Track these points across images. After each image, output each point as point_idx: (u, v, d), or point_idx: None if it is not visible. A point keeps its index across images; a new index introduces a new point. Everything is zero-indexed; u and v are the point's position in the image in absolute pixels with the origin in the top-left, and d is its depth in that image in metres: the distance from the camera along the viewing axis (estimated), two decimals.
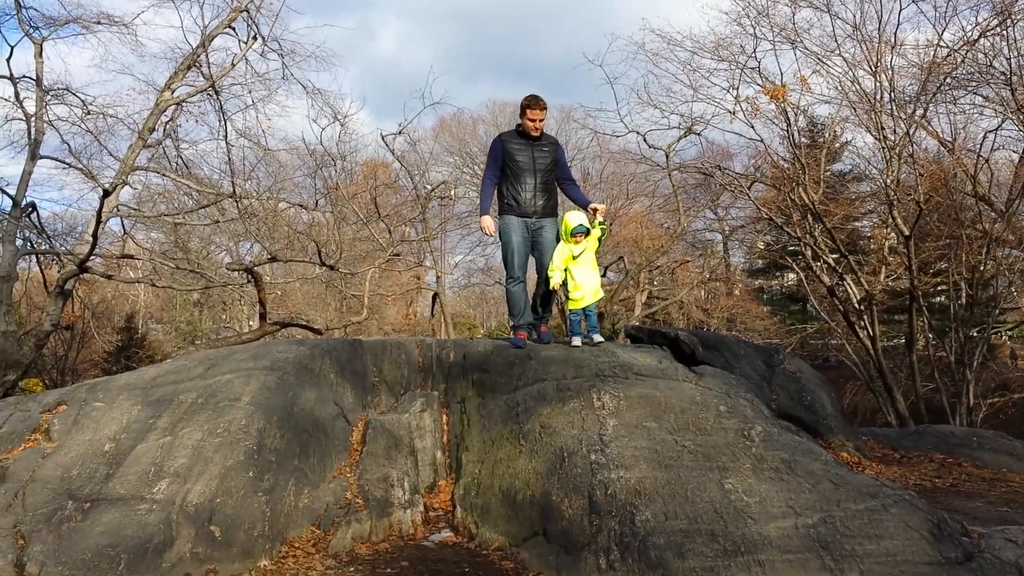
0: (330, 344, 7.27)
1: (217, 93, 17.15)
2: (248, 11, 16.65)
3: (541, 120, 7.05)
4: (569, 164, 7.89)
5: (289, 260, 16.09)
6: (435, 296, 32.32)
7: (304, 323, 17.53)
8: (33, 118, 17.55)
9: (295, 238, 19.61)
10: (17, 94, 18.06)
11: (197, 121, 18.75)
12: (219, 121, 17.89)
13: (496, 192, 7.24)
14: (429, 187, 29.57)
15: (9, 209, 17.63)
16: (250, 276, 14.57)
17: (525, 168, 7.04)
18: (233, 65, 17.12)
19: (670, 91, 24.07)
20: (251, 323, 37.13)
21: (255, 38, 16.96)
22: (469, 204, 41.83)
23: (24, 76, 17.88)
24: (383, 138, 21.98)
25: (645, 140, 18.90)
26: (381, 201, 24.64)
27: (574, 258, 6.88)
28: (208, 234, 25.82)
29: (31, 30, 17.14)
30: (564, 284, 6.93)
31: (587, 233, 6.84)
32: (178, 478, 5.01)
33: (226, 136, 17.60)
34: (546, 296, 7.37)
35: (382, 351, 7.36)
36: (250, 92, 17.90)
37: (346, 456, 6.05)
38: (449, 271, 39.04)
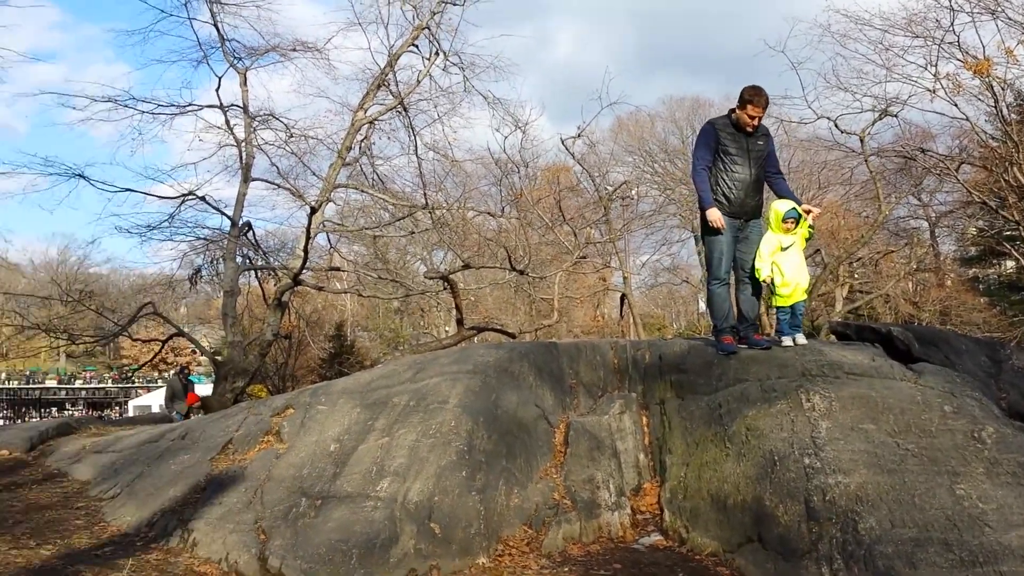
0: (527, 347, 7.43)
1: (405, 110, 17.98)
2: (429, 28, 17.35)
3: (760, 119, 6.57)
4: None
5: (481, 267, 16.62)
6: (623, 297, 32.19)
7: (498, 327, 18.01)
8: (243, 143, 19.09)
9: (484, 245, 20.22)
10: (227, 121, 19.66)
11: (389, 137, 19.74)
12: (409, 136, 18.75)
13: None
14: (610, 188, 29.54)
15: (228, 229, 19.31)
16: (446, 283, 15.16)
17: (739, 162, 6.56)
18: (418, 82, 17.88)
19: (861, 73, 22.72)
20: (447, 328, 38.57)
21: (437, 54, 17.64)
22: (651, 203, 41.37)
23: (232, 105, 19.44)
24: (563, 142, 22.19)
25: (836, 125, 17.99)
26: (564, 204, 24.89)
27: (783, 249, 6.52)
28: (404, 244, 27.01)
29: (235, 61, 18.63)
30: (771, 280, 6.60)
31: (798, 221, 6.47)
32: (398, 477, 5.30)
33: (416, 150, 18.42)
34: (755, 298, 6.93)
35: (577, 353, 7.42)
36: (435, 106, 18.63)
37: (550, 457, 6.15)
38: (635, 271, 38.82)
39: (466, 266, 15.53)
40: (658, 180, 46.34)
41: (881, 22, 15.98)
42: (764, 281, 6.68)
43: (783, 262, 6.53)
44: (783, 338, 6.67)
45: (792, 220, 6.46)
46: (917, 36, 15.34)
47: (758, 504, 5.00)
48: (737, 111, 6.57)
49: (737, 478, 5.30)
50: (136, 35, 53.49)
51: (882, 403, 5.40)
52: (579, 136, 21.98)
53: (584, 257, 22.74)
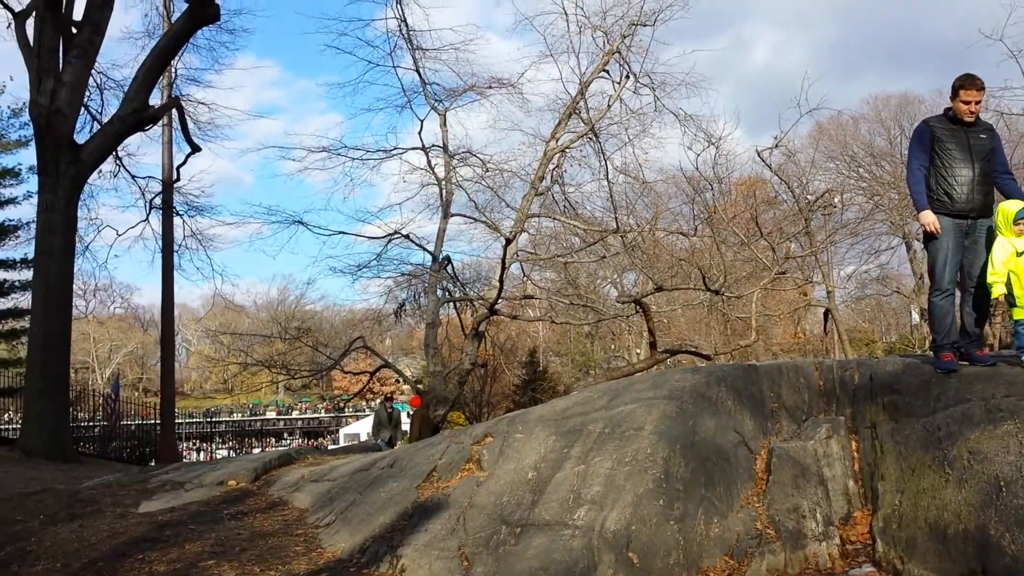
0: (725, 370, 7.22)
1: (596, 135, 18.15)
2: (619, 52, 17.47)
3: (977, 103, 6.14)
4: None
5: (674, 288, 16.37)
6: (827, 312, 30.65)
7: (693, 349, 17.63)
8: (443, 181, 19.99)
9: (677, 265, 19.90)
10: (429, 162, 20.70)
11: (580, 164, 20.04)
12: (599, 161, 18.92)
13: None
14: (811, 197, 28.27)
15: (429, 264, 20.23)
16: (638, 307, 15.05)
17: (959, 157, 6.11)
18: (609, 106, 18.01)
19: None
20: (638, 351, 38.26)
21: (627, 76, 17.72)
22: (857, 210, 39.12)
23: (433, 145, 20.46)
24: (759, 154, 21.56)
25: None
26: (761, 219, 24.09)
27: (1018, 255, 5.91)
28: (594, 268, 27.13)
29: (436, 103, 19.64)
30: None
31: None
32: (595, 505, 5.30)
33: (607, 175, 18.52)
34: (980, 310, 6.39)
35: (779, 375, 7.13)
36: (626, 129, 18.69)
37: (751, 485, 5.93)
38: (840, 284, 36.81)
39: (659, 288, 15.36)
40: (864, 186, 43.93)
41: None
42: (996, 297, 6.09)
43: (1019, 271, 5.92)
44: (1022, 354, 6.03)
45: None
46: None
47: (982, 533, 4.58)
48: (951, 102, 6.19)
49: (958, 506, 4.89)
50: (347, 87, 57.87)
51: None
52: (776, 147, 21.23)
53: (783, 273, 21.86)
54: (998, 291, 5.98)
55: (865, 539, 5.51)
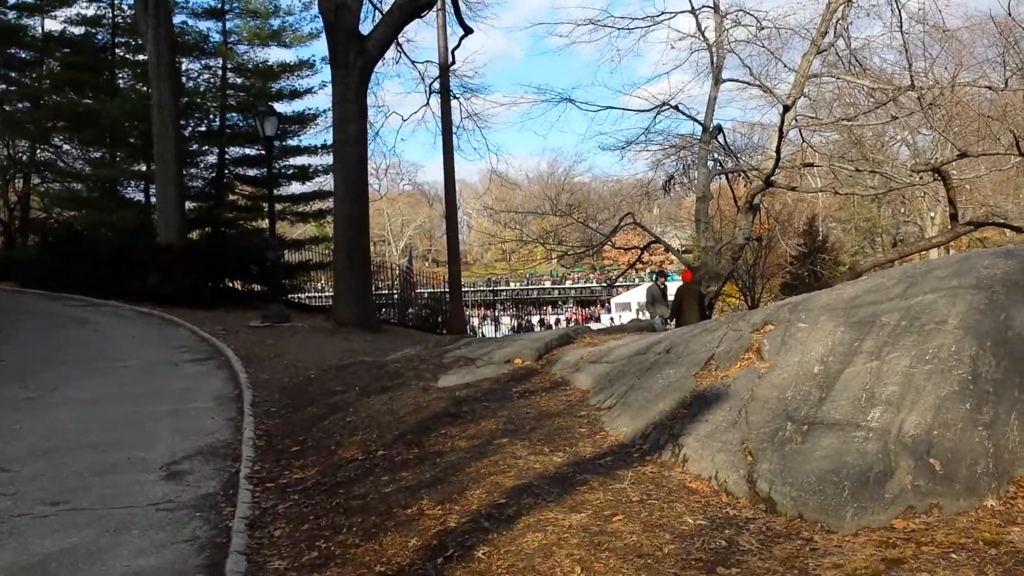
0: None
1: None
2: None
3: None
4: None
5: (981, 154, 14.53)
6: None
7: (1001, 221, 15.74)
8: (714, 45, 19.01)
9: (984, 124, 17.60)
10: (699, 25, 19.75)
11: (868, 14, 18.14)
12: (892, 9, 16.96)
13: None
14: None
15: (700, 135, 19.56)
16: (936, 175, 13.60)
17: None
18: None
19: None
20: (932, 215, 34.88)
21: None
22: None
23: (703, 7, 19.41)
24: None
25: None
26: None
27: None
28: (884, 129, 24.89)
29: None
30: None
31: None
32: (890, 406, 4.99)
33: (900, 24, 16.61)
34: None
35: None
36: None
37: None
38: None
39: (962, 155, 13.71)
40: None
41: None
42: None
43: None
44: None
45: None
46: None
47: None
48: None
49: None
50: None
51: None
52: None
53: None
54: None
55: None
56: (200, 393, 9.75)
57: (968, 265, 6.31)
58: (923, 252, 19.03)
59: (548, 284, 76.19)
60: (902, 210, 38.75)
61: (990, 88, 16.82)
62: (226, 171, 28.67)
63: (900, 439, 4.73)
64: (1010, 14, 15.28)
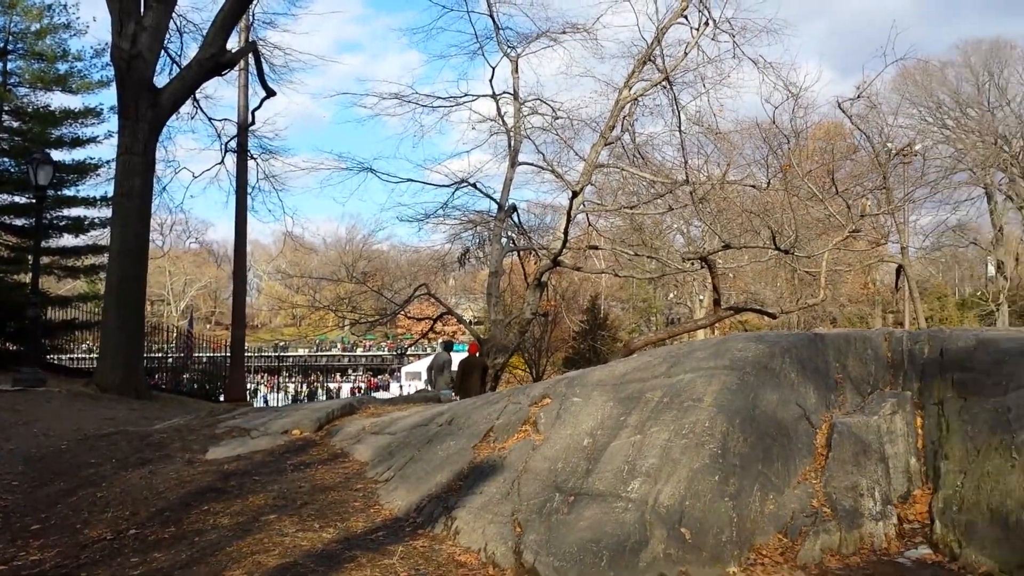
0: (790, 341, 7.08)
1: (671, 84, 17.71)
2: None
3: None
4: None
5: (743, 247, 16.01)
6: (899, 269, 29.76)
7: (757, 308, 17.33)
8: (512, 130, 19.85)
9: (747, 219, 19.44)
10: (499, 109, 20.56)
11: (652, 113, 19.73)
12: (673, 111, 18.51)
13: None
14: (890, 145, 27.24)
15: (495, 212, 20.21)
16: (703, 263, 14.81)
17: None
18: (685, 54, 17.53)
19: None
20: (700, 298, 37.81)
21: (707, 23, 17.18)
22: (938, 159, 37.61)
23: (504, 92, 20.28)
24: (839, 106, 20.73)
25: None
26: (837, 172, 23.28)
27: None
28: (661, 218, 26.81)
29: (508, 49, 19.45)
30: None
31: None
32: (649, 478, 5.28)
33: (679, 125, 18.12)
34: None
35: (846, 345, 7.01)
36: (702, 79, 18.21)
37: (810, 461, 5.86)
38: (914, 231, 35.64)
39: (726, 246, 15.06)
40: (945, 133, 42.23)
41: None
42: None
43: None
44: None
45: None
46: None
47: None
48: None
49: (1023, 493, 4.77)
50: (420, 32, 58.30)
51: None
52: (858, 97, 20.42)
53: (857, 231, 21.20)
54: None
55: (923, 518, 5.44)
56: None
57: (724, 348, 6.89)
58: (691, 332, 20.53)
59: (339, 351, 74.66)
60: (675, 293, 41.79)
61: (754, 187, 18.68)
62: None
63: (656, 509, 5.00)
64: (774, 122, 17.11)
